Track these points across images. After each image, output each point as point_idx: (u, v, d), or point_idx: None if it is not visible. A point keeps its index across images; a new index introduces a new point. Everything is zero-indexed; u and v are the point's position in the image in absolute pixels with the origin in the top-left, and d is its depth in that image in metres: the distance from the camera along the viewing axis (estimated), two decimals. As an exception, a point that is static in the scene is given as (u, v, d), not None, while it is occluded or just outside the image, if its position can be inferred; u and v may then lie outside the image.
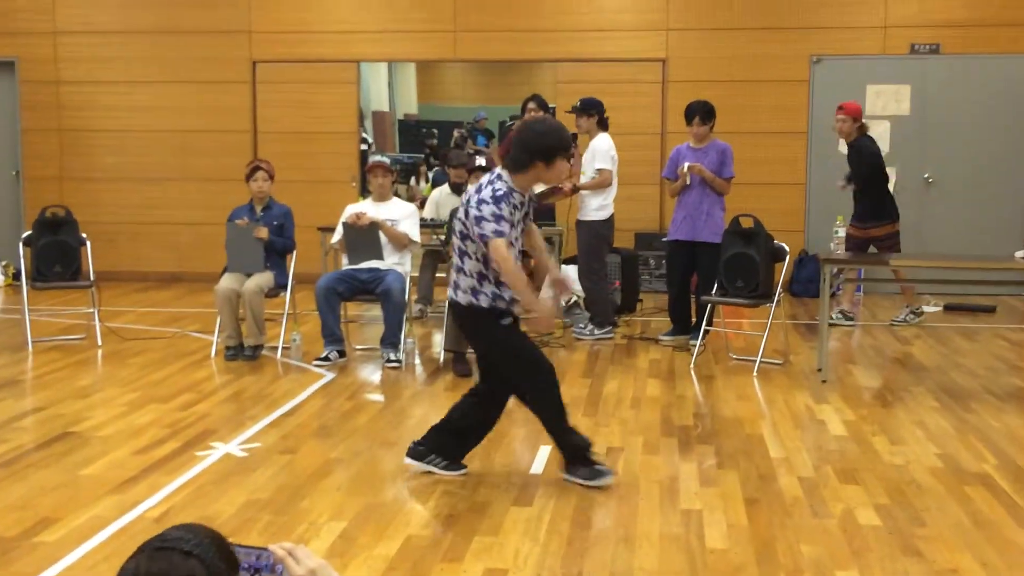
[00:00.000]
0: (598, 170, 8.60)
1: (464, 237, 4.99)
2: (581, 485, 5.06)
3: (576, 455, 5.15)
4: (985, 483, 5.13)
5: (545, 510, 4.78)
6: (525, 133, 5.03)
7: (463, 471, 5.24)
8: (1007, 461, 5.47)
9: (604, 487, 5.05)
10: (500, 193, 4.89)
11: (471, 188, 5.16)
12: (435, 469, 5.22)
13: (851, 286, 9.57)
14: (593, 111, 8.70)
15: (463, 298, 5.06)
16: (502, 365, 5.21)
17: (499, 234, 4.82)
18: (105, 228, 11.22)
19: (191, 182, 11.80)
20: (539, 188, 8.80)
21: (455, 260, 5.10)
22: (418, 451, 5.26)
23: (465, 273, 5.03)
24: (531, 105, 9.44)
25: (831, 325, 9.09)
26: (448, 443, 5.27)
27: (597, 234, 8.71)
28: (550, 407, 5.18)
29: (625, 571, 4.12)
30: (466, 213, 4.94)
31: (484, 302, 5.01)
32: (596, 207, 8.64)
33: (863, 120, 8.94)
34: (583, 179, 8.69)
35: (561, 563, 4.19)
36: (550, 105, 9.13)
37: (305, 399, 6.75)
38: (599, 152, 8.65)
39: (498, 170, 5.03)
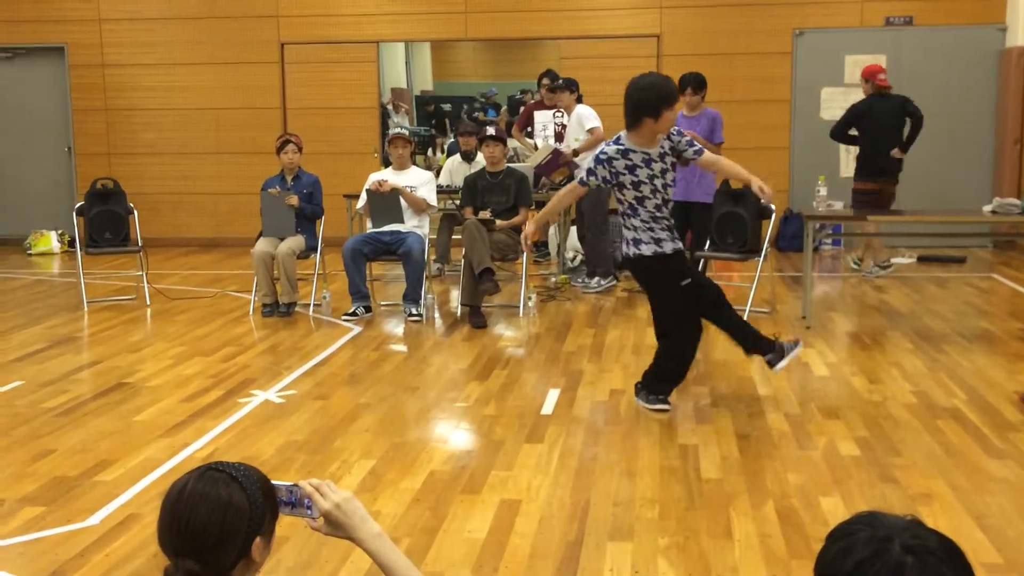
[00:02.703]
0: (590, 130, 8.59)
1: (621, 189, 5.06)
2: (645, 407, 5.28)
3: (660, 391, 5.31)
4: (955, 417, 5.13)
5: (555, 447, 4.80)
6: (630, 91, 5.01)
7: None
8: (975, 396, 5.46)
9: (661, 411, 5.24)
10: (601, 156, 5.04)
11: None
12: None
13: (876, 240, 9.37)
14: (574, 88, 8.86)
15: (647, 249, 5.08)
16: (672, 303, 5.22)
17: (581, 182, 5.20)
18: (150, 198, 11.22)
19: (226, 155, 11.78)
20: (537, 162, 8.82)
21: (626, 223, 5.15)
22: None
23: (638, 230, 5.08)
24: (545, 81, 9.41)
25: (865, 276, 9.02)
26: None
27: (598, 193, 8.66)
28: (682, 355, 5.30)
29: (628, 500, 4.14)
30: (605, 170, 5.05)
31: (668, 248, 5.10)
32: None
33: (869, 79, 8.82)
34: (570, 146, 8.67)
35: (570, 494, 4.22)
36: (564, 78, 9.08)
37: (335, 350, 6.77)
38: (586, 115, 8.67)
39: (620, 133, 5.10)
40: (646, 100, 4.94)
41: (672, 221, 5.19)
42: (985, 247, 10.59)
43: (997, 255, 10.33)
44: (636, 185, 5.05)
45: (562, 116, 9.29)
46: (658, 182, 5.06)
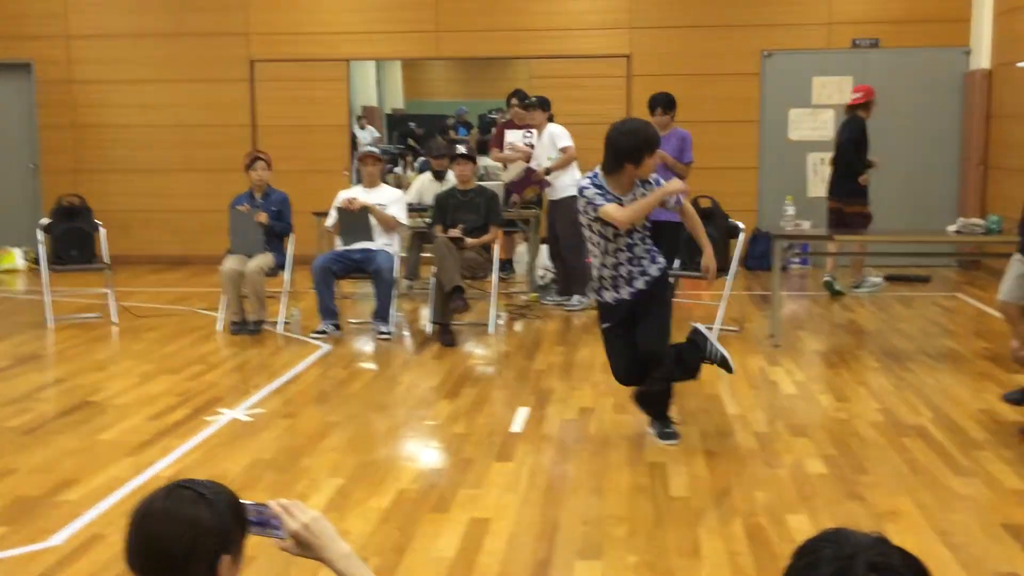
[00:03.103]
0: (562, 149, 8.63)
1: (616, 236, 4.94)
2: (653, 435, 5.11)
3: (659, 413, 5.17)
4: (921, 435, 5.17)
5: (524, 465, 4.80)
6: (611, 135, 4.91)
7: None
8: (941, 415, 5.52)
9: (670, 444, 5.05)
10: (596, 189, 4.89)
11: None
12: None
13: (859, 259, 9.47)
14: (547, 107, 8.90)
15: (654, 270, 5.02)
16: (665, 322, 5.10)
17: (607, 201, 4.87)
18: (117, 215, 11.11)
19: (195, 172, 11.72)
20: (509, 179, 8.84)
21: (625, 258, 4.99)
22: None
23: (640, 261, 5.00)
24: (514, 100, 9.43)
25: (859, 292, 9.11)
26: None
27: (574, 210, 8.67)
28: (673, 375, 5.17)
29: (597, 518, 4.14)
30: (587, 210, 4.93)
31: (662, 270, 5.05)
32: (569, 184, 8.66)
33: (854, 101, 8.96)
34: (542, 164, 8.71)
35: (539, 512, 4.21)
36: (536, 96, 9.10)
37: (304, 369, 6.74)
38: (558, 134, 8.71)
39: (596, 169, 4.97)
40: (629, 146, 4.85)
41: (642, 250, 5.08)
42: (950, 267, 10.71)
43: (962, 274, 10.45)
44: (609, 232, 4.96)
45: (532, 136, 9.33)
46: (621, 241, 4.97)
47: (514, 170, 8.87)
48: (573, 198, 8.65)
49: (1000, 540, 3.88)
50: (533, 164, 8.85)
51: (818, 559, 1.44)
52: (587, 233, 5.04)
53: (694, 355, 5.17)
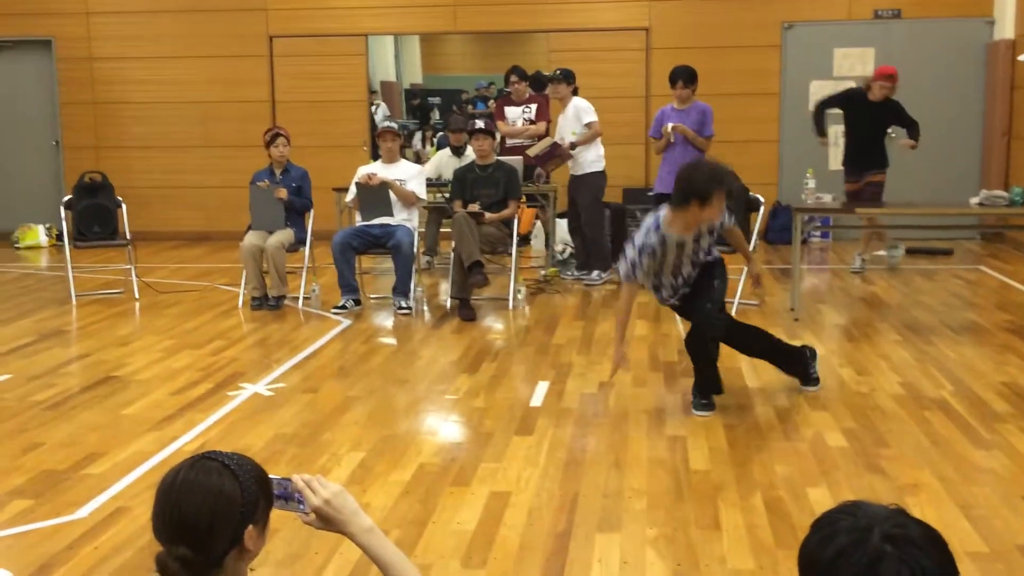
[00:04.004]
0: (587, 124, 8.60)
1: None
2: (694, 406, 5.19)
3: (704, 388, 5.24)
4: (942, 408, 5.15)
5: (544, 439, 4.81)
6: (684, 172, 4.95)
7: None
8: (962, 387, 5.49)
9: (701, 416, 5.11)
10: (647, 241, 4.96)
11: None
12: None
13: (868, 233, 9.41)
14: (572, 80, 8.81)
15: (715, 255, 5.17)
16: (716, 296, 5.21)
17: (627, 276, 5.02)
18: (138, 192, 11.19)
19: (215, 148, 11.76)
20: (535, 152, 8.83)
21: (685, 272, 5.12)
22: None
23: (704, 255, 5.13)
24: (513, 77, 9.38)
25: (854, 273, 9.05)
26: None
27: (597, 186, 8.74)
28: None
29: (616, 491, 4.15)
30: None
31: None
32: (593, 159, 8.67)
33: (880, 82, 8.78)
34: (566, 138, 8.67)
35: (559, 486, 4.23)
36: (561, 68, 9.02)
37: (325, 343, 6.77)
38: (583, 109, 8.67)
39: (659, 217, 4.99)
40: (698, 186, 4.82)
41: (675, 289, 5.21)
42: (973, 239, 10.63)
43: (985, 247, 10.37)
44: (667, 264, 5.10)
45: (530, 112, 9.30)
46: (686, 260, 5.09)
47: (541, 145, 8.87)
48: (596, 174, 8.71)
49: (1021, 512, 3.87)
50: (557, 138, 8.82)
51: (835, 531, 1.44)
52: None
53: (797, 362, 5.47)
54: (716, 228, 5.08)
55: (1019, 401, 5.21)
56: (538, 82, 9.31)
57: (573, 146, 8.62)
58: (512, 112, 9.43)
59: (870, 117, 8.69)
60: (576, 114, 8.68)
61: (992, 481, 4.20)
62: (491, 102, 16.40)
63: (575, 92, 8.84)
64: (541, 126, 9.16)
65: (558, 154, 8.79)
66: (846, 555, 1.41)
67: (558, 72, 8.88)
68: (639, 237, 5.00)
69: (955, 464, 4.37)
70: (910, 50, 10.68)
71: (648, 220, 5.04)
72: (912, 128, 8.52)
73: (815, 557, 1.45)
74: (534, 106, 9.32)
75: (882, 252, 9.32)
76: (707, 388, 5.24)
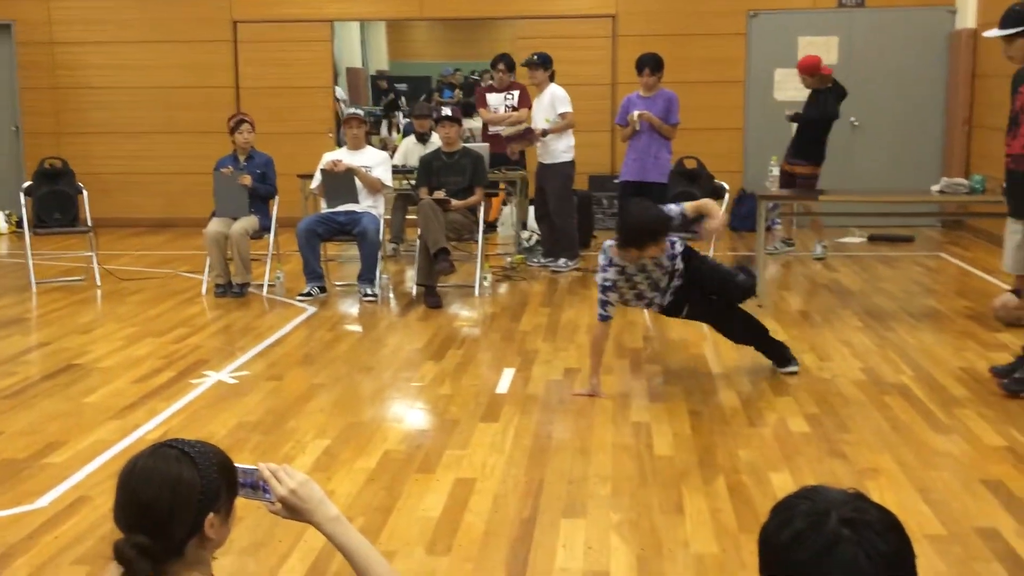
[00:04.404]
0: (561, 114, 8.60)
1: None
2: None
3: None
4: (903, 393, 5.21)
5: (510, 425, 4.82)
6: (622, 219, 5.29)
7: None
8: (922, 373, 5.56)
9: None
10: (606, 284, 5.24)
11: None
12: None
13: (787, 219, 9.62)
14: (549, 65, 8.74)
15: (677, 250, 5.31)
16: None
17: (601, 318, 5.29)
18: (100, 178, 11.05)
19: (178, 135, 11.63)
20: (508, 133, 8.84)
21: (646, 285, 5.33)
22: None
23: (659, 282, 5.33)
24: (501, 66, 9.35)
25: (770, 254, 9.16)
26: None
27: (566, 175, 8.75)
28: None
29: (582, 477, 4.17)
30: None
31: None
32: (564, 149, 8.67)
33: (816, 73, 8.84)
34: (539, 124, 8.67)
35: (524, 472, 4.24)
36: (538, 53, 8.96)
37: (289, 331, 6.73)
38: (559, 98, 8.66)
39: (606, 248, 5.24)
40: (636, 234, 5.06)
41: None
42: (934, 227, 10.74)
43: (945, 234, 10.48)
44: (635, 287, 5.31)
45: (512, 99, 9.29)
46: (654, 277, 5.28)
47: (514, 128, 8.89)
48: (565, 163, 8.72)
49: (979, 496, 3.93)
50: (534, 125, 8.79)
51: (793, 515, 1.46)
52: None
53: (777, 349, 5.62)
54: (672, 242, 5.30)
55: (977, 386, 5.28)
56: (510, 65, 9.30)
57: (545, 133, 8.62)
58: (494, 99, 9.41)
59: (808, 108, 8.87)
60: (552, 102, 8.67)
61: (950, 465, 4.25)
62: (457, 91, 16.35)
63: (552, 77, 8.81)
64: (523, 112, 9.13)
65: (528, 138, 8.81)
66: (803, 538, 1.42)
67: (535, 57, 8.80)
68: (599, 279, 5.27)
69: (914, 449, 4.43)
70: (873, 39, 10.76)
71: (600, 259, 5.28)
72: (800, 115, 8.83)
73: (774, 541, 1.46)
74: (516, 93, 9.30)
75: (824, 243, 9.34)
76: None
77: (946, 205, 8.86)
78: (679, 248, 5.30)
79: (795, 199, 8.72)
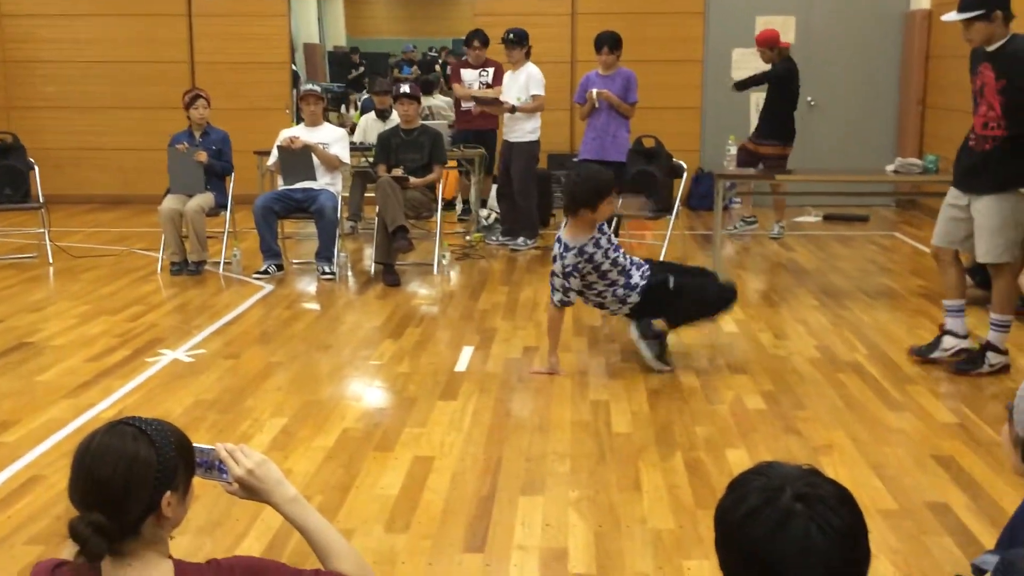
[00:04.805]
0: (534, 96, 8.57)
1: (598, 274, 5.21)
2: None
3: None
4: (857, 371, 5.29)
5: (468, 403, 4.83)
6: (568, 184, 5.22)
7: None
8: (877, 351, 5.63)
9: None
10: (568, 271, 5.15)
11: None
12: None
13: (748, 198, 9.66)
14: (525, 42, 8.68)
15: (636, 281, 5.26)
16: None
17: (563, 303, 5.24)
18: (51, 154, 10.85)
19: (131, 110, 11.45)
20: (479, 97, 8.84)
21: (603, 285, 5.25)
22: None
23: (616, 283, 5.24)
24: (476, 43, 9.30)
25: (731, 234, 9.23)
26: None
27: (532, 155, 8.73)
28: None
29: (540, 455, 4.19)
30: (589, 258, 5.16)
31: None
32: (530, 130, 8.65)
33: (775, 47, 8.87)
34: (510, 100, 8.60)
35: (483, 450, 4.25)
36: (515, 30, 8.87)
37: (246, 309, 6.68)
38: (535, 79, 8.62)
39: (560, 235, 5.19)
40: (585, 193, 5.06)
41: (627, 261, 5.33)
42: (888, 206, 10.87)
43: (900, 214, 10.61)
44: (599, 269, 5.21)
45: (487, 75, 9.26)
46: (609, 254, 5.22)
47: (487, 96, 8.90)
48: (531, 143, 8.70)
49: (930, 471, 4.00)
50: (502, 97, 8.74)
51: (748, 491, 1.48)
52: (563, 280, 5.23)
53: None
54: (606, 231, 5.27)
55: (929, 364, 5.36)
56: (484, 41, 9.26)
57: (514, 109, 8.58)
58: (468, 75, 9.36)
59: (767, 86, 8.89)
60: (527, 82, 8.62)
61: (903, 441, 4.32)
62: (415, 68, 16.26)
63: (528, 54, 8.75)
64: (498, 90, 9.08)
65: (497, 110, 8.76)
66: (757, 514, 1.44)
67: (511, 35, 8.65)
68: (556, 266, 5.19)
69: (868, 425, 4.50)
70: (829, 19, 10.83)
71: (554, 249, 5.22)
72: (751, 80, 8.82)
73: (729, 517, 1.48)
74: (491, 70, 9.25)
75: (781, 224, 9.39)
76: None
77: (900, 185, 8.97)
78: (638, 279, 5.26)
79: (751, 178, 8.78)
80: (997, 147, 4.94)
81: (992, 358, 5.16)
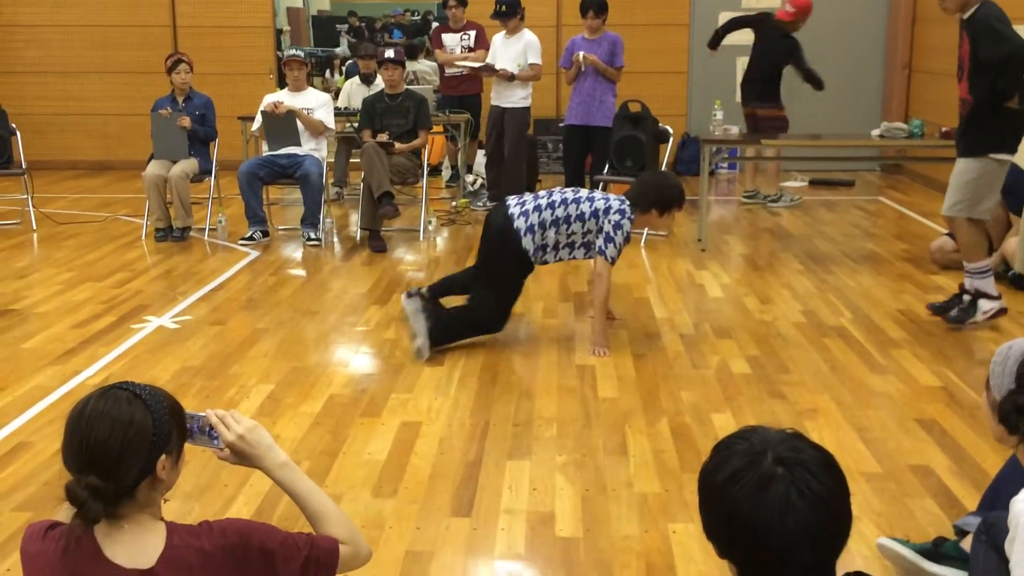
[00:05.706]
0: (532, 64, 8.51)
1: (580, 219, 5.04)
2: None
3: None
4: (841, 335, 5.32)
5: (455, 369, 4.84)
6: (648, 180, 5.27)
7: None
8: (861, 315, 5.67)
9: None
10: (627, 231, 5.04)
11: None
12: None
13: (773, 165, 9.40)
14: (518, 8, 8.58)
15: (521, 223, 5.01)
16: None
17: (613, 260, 5.03)
18: (33, 119, 10.76)
19: (114, 75, 11.34)
20: (471, 64, 8.77)
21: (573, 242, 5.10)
22: None
23: (562, 238, 5.06)
24: (452, 2, 9.21)
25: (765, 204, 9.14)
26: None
27: (524, 120, 8.69)
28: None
29: (527, 419, 4.21)
30: (602, 212, 5.02)
31: (530, 248, 5.02)
32: (523, 95, 8.61)
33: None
34: (507, 67, 8.52)
35: (470, 415, 4.27)
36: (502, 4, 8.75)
37: (232, 275, 6.67)
38: (533, 47, 8.54)
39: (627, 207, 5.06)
40: (663, 198, 5.13)
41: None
42: (873, 171, 10.89)
43: (884, 178, 10.63)
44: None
45: (469, 39, 9.20)
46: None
47: (476, 61, 8.84)
48: (524, 109, 8.65)
49: (914, 434, 4.04)
50: (498, 64, 8.65)
51: (731, 454, 1.50)
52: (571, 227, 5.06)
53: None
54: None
55: (914, 328, 5.40)
56: (462, 1, 9.19)
57: (512, 77, 8.51)
58: (450, 40, 9.29)
59: (769, 48, 8.74)
60: (525, 49, 8.54)
61: (887, 405, 4.36)
62: (431, 33, 16.12)
63: (522, 18, 8.67)
64: (480, 54, 9.02)
65: (491, 76, 8.68)
66: (739, 477, 1.46)
67: (503, 7, 8.50)
68: (622, 231, 5.00)
69: (852, 389, 4.53)
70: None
71: (618, 214, 5.01)
72: (812, 81, 8.50)
73: (711, 480, 1.50)
74: (473, 33, 9.19)
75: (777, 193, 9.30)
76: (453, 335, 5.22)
77: (886, 149, 8.97)
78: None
79: (737, 143, 8.76)
80: (970, 111, 5.09)
81: (984, 304, 5.23)
